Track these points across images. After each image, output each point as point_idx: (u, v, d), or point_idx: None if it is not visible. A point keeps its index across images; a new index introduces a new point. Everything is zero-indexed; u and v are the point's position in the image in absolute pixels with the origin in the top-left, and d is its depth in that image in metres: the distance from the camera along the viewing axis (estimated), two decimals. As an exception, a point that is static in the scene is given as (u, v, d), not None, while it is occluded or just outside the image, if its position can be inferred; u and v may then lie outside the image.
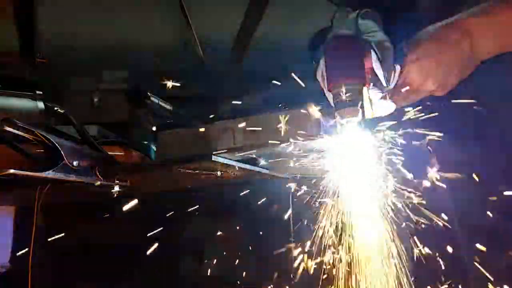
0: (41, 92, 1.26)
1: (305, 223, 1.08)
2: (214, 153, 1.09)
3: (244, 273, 1.29)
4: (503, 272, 1.00)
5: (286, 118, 1.26)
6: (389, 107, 0.92)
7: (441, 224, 1.00)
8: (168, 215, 1.57)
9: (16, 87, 1.29)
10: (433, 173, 0.98)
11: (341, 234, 1.01)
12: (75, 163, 1.11)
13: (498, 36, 0.91)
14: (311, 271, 1.07)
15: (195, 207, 1.49)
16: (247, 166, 1.17)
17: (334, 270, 1.04)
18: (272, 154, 1.23)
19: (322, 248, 1.04)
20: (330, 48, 0.88)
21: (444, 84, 0.91)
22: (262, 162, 1.24)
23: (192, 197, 1.48)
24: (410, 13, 1.12)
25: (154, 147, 1.52)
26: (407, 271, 0.99)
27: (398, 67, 0.89)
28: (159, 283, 1.55)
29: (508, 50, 0.92)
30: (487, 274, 1.00)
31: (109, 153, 1.25)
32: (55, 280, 1.73)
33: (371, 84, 0.90)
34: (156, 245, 1.57)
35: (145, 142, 1.53)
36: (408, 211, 0.98)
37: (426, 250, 1.02)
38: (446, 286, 1.03)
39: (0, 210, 1.83)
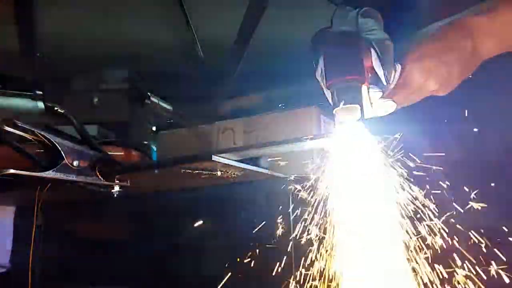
0: (41, 92, 1.26)
1: (305, 223, 1.08)
2: (214, 153, 1.09)
3: (244, 273, 1.29)
4: None
5: (286, 118, 1.26)
6: (389, 107, 0.91)
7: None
8: (168, 215, 1.57)
9: (16, 87, 1.28)
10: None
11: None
12: (75, 163, 1.12)
13: (500, 35, 0.91)
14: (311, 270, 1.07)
15: (196, 207, 1.49)
16: (247, 166, 1.17)
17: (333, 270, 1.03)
18: (272, 154, 1.23)
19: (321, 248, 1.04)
20: (329, 45, 0.87)
21: (446, 84, 0.91)
22: (262, 162, 1.24)
23: (192, 197, 1.48)
24: (411, 12, 1.12)
25: (154, 147, 1.52)
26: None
27: (398, 67, 0.89)
28: (159, 283, 1.55)
29: (511, 49, 0.92)
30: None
31: (109, 153, 1.25)
32: (55, 280, 1.73)
33: (371, 83, 0.89)
34: (156, 244, 1.57)
35: (145, 142, 1.53)
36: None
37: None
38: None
39: (0, 210, 1.83)
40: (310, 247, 1.06)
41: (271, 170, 1.25)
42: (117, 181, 1.21)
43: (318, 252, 1.03)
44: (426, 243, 0.99)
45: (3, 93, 1.25)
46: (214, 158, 1.07)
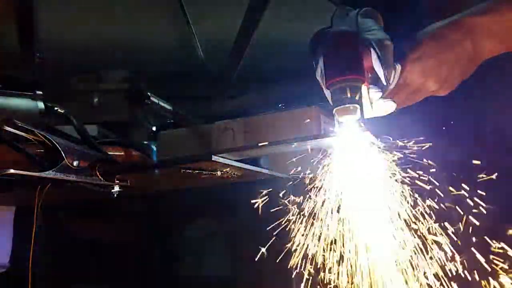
0: (41, 92, 1.26)
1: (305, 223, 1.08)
2: (214, 153, 1.09)
3: (243, 273, 1.29)
4: None
5: (286, 118, 1.26)
6: (389, 107, 0.91)
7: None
8: (168, 215, 1.57)
9: (16, 87, 1.28)
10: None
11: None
12: (75, 163, 1.11)
13: (500, 35, 0.91)
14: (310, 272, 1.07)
15: (195, 207, 1.49)
16: (247, 166, 1.17)
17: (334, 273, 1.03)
18: (272, 154, 1.23)
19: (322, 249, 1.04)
20: (329, 45, 0.87)
21: (446, 84, 0.91)
22: (262, 162, 1.24)
23: (192, 197, 1.48)
24: (411, 12, 1.12)
25: (154, 147, 1.52)
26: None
27: (398, 67, 0.89)
28: (159, 283, 1.55)
29: (510, 49, 0.92)
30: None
31: (109, 153, 1.25)
32: (55, 280, 1.73)
33: (371, 83, 0.89)
34: (156, 245, 1.57)
35: (145, 142, 1.53)
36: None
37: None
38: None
39: (0, 210, 1.83)
40: (310, 247, 1.06)
41: (271, 170, 1.25)
42: (117, 181, 1.20)
43: (319, 251, 1.03)
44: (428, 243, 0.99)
45: (3, 93, 1.25)
46: (214, 158, 1.07)
